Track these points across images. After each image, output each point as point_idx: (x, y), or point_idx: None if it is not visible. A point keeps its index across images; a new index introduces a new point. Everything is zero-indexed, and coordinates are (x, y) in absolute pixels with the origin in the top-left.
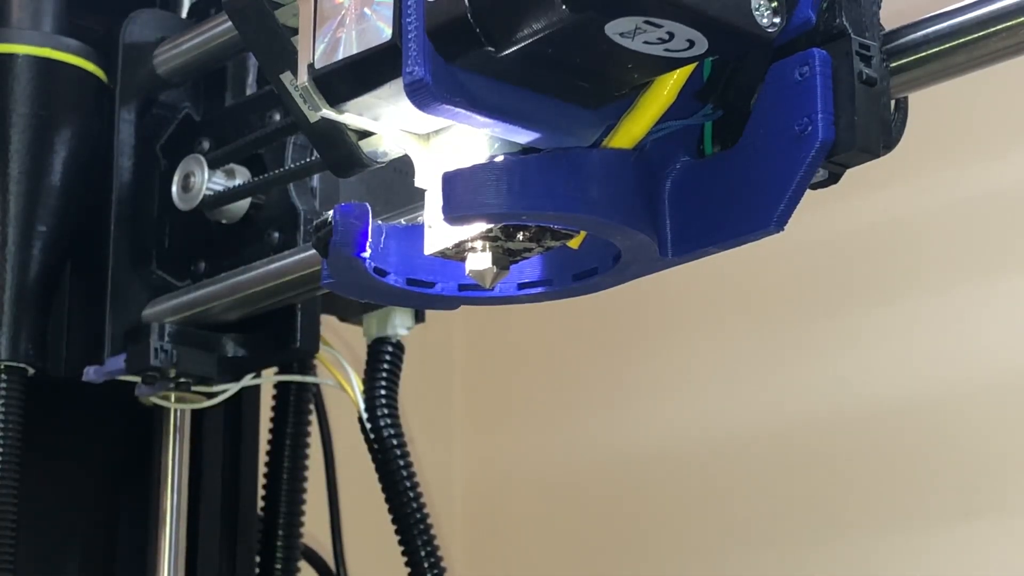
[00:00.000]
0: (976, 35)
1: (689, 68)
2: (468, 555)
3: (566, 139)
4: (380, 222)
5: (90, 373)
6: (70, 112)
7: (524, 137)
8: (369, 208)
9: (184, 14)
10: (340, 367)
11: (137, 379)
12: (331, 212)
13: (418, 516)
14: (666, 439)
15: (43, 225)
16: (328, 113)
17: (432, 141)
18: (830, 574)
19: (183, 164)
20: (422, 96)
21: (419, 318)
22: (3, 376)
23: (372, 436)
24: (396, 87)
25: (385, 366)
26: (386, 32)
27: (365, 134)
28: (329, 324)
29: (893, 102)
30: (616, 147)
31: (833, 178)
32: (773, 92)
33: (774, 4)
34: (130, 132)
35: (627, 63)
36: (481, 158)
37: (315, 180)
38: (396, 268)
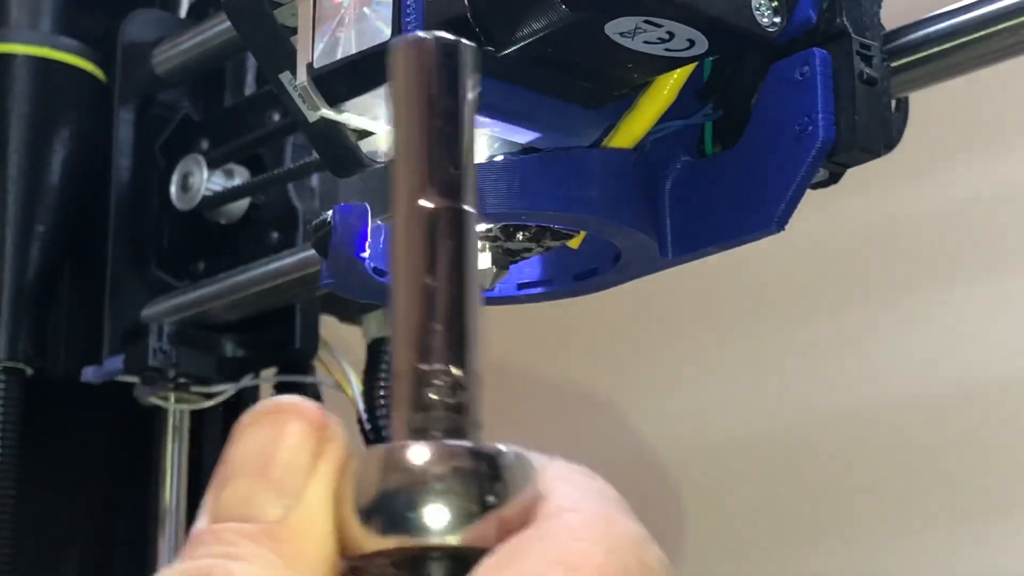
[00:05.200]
0: (976, 35)
1: (689, 68)
2: None
3: (566, 139)
4: (380, 222)
5: (89, 373)
6: (69, 112)
7: (524, 137)
8: (369, 208)
9: (183, 14)
10: (339, 367)
11: (136, 379)
12: (330, 212)
13: None
14: (668, 440)
15: (41, 225)
16: (327, 113)
17: None
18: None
19: (182, 164)
20: None
21: None
22: (1, 376)
23: (372, 436)
24: None
25: (385, 366)
26: (386, 32)
27: (365, 134)
28: (329, 324)
29: (894, 102)
30: (616, 147)
31: (833, 178)
32: (773, 92)
33: (775, 4)
34: (129, 132)
35: (627, 63)
36: (481, 158)
37: (314, 180)
38: None
